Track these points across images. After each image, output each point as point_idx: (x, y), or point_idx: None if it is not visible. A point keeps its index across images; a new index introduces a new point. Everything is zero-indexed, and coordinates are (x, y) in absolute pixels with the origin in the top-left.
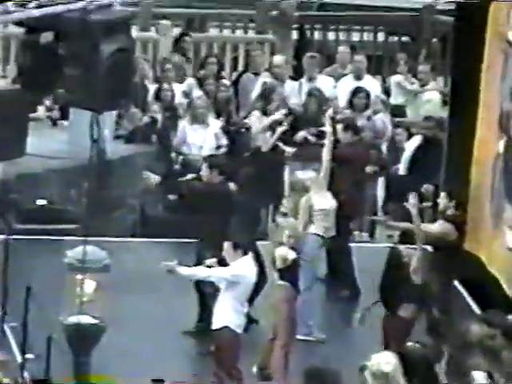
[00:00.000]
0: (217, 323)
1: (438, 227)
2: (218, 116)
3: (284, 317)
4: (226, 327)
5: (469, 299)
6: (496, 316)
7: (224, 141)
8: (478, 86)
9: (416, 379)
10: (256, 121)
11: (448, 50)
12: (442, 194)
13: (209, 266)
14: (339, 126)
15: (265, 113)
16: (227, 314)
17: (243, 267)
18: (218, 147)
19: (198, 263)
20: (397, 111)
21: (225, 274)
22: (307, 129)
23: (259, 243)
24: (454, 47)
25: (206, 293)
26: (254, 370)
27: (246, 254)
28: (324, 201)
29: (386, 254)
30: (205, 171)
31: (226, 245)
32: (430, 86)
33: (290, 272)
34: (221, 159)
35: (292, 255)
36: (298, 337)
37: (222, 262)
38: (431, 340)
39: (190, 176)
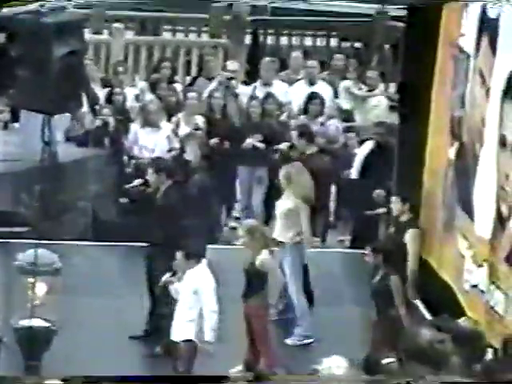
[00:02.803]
0: (180, 335)
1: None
2: (170, 119)
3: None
4: (189, 340)
5: (419, 304)
6: (446, 321)
7: (176, 144)
8: (429, 93)
9: None
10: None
11: (399, 56)
12: (394, 198)
13: (165, 284)
14: (294, 133)
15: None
16: (190, 325)
17: (200, 276)
18: (170, 150)
19: (149, 268)
20: (346, 116)
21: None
22: (254, 135)
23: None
24: (404, 53)
25: (159, 298)
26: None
27: (199, 261)
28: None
29: (337, 259)
30: (151, 175)
31: (178, 255)
32: (378, 91)
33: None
34: (167, 162)
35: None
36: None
37: (175, 271)
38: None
39: (137, 181)
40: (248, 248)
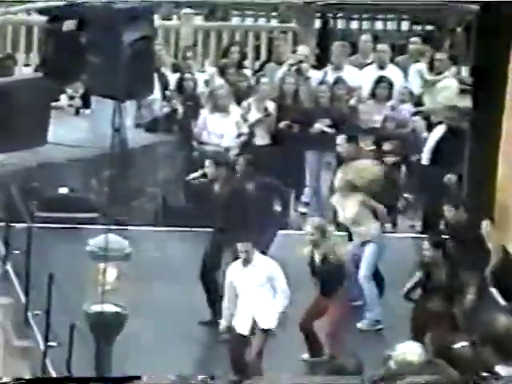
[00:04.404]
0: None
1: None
2: (239, 104)
3: None
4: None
5: (494, 290)
6: None
7: (245, 129)
8: (503, 75)
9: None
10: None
11: (472, 39)
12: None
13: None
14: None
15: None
16: (260, 314)
17: (267, 263)
18: (239, 136)
19: (214, 252)
20: (416, 100)
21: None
22: (322, 120)
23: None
24: (477, 36)
25: (210, 285)
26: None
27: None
28: None
29: (408, 244)
30: (209, 168)
31: (244, 243)
32: (447, 74)
33: None
34: (227, 155)
35: None
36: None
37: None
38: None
39: (197, 173)
40: (311, 243)
